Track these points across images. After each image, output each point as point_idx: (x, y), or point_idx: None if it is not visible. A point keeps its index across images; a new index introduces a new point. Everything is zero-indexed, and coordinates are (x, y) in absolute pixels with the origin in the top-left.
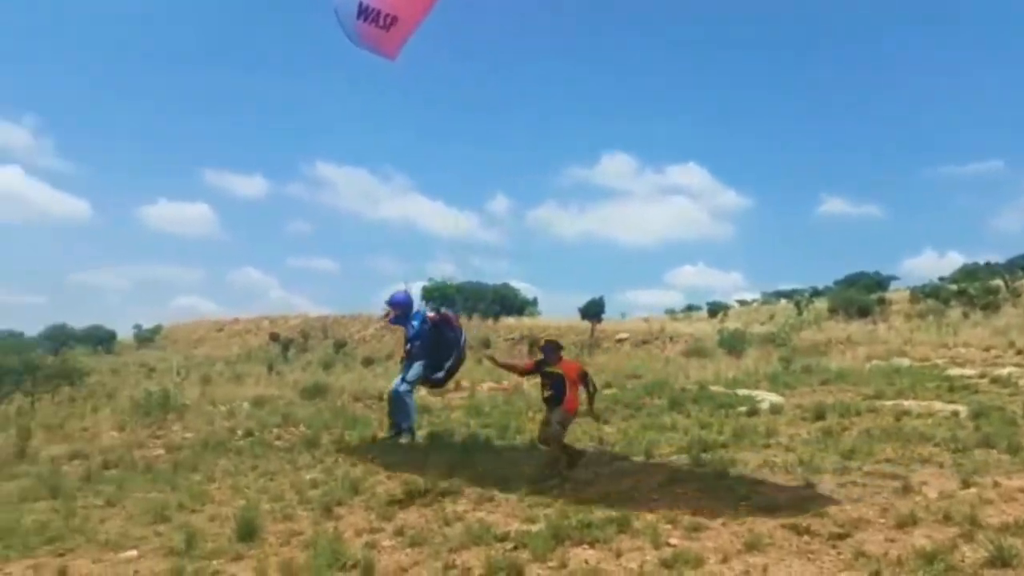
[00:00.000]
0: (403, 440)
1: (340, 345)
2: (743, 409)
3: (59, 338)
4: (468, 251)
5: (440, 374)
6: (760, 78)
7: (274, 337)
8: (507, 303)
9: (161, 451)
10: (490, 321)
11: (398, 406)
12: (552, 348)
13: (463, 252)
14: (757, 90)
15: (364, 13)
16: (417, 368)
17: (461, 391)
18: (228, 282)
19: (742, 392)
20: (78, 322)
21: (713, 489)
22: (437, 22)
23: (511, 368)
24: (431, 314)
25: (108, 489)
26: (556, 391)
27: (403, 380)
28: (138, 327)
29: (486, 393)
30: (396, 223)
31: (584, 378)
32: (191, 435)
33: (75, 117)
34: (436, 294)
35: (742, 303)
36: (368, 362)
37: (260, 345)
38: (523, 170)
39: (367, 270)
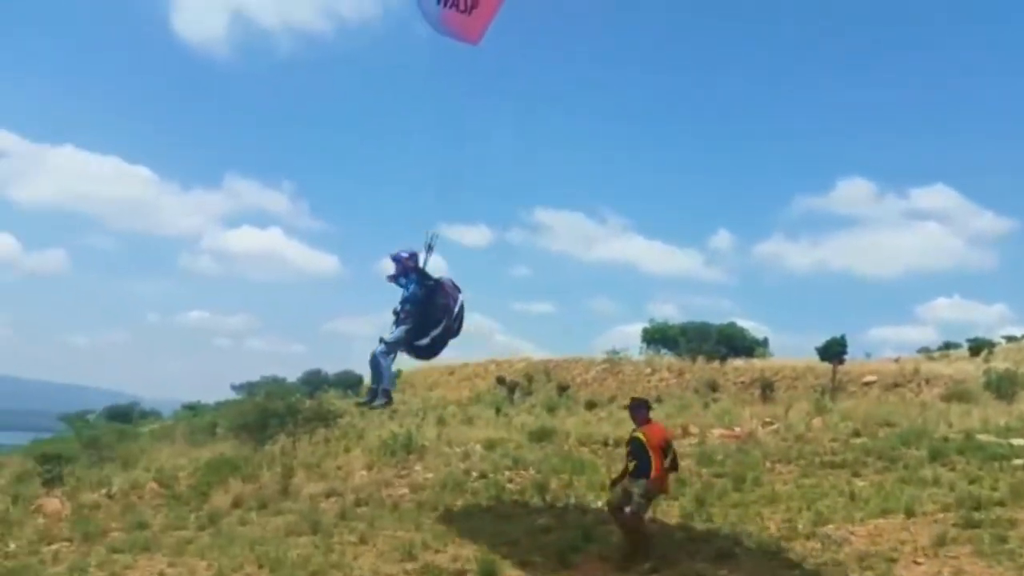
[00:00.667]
0: (377, 403)
1: (563, 388)
2: (1020, 462)
3: (314, 382)
4: (689, 290)
5: (424, 340)
6: (1012, 84)
7: (500, 380)
8: (734, 344)
9: (405, 490)
10: (717, 363)
11: (376, 369)
12: (638, 406)
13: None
14: (1010, 98)
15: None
16: (399, 331)
17: (690, 436)
18: None
19: (1017, 442)
20: (331, 367)
21: (991, 553)
22: (646, 54)
23: (623, 474)
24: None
25: (360, 526)
26: (640, 461)
27: (381, 340)
28: None
29: (717, 440)
30: (613, 264)
31: (666, 447)
32: (431, 475)
33: (324, 180)
34: (657, 335)
35: (1010, 339)
36: (591, 405)
37: (487, 388)
38: (747, 203)
39: (585, 312)
